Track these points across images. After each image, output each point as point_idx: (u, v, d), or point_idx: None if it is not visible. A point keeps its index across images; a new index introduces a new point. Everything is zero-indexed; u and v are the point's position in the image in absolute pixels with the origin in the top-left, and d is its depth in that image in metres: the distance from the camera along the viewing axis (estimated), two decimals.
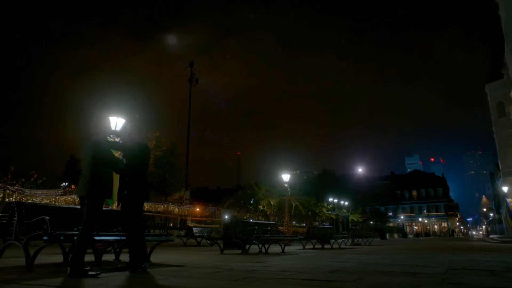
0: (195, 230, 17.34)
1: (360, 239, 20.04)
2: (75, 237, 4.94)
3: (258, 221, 11.80)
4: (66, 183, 27.26)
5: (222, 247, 10.06)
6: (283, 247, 11.32)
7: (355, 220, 55.40)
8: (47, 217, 4.95)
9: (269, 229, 10.72)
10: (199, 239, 16.95)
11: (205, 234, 17.26)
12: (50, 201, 15.78)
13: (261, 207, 38.45)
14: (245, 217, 24.15)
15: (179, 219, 24.71)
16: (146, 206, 20.34)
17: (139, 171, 5.24)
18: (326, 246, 14.48)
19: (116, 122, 10.45)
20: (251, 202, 38.38)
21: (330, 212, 47.16)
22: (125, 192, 5.17)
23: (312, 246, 14.49)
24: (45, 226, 4.96)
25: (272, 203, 38.34)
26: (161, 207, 21.90)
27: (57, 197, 15.89)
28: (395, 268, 5.59)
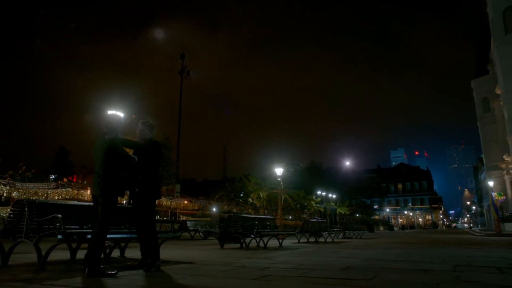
0: (188, 223, 17.33)
1: (352, 233, 20.33)
2: (88, 236, 4.92)
3: (257, 216, 11.88)
4: (55, 176, 26.87)
5: (221, 242, 10.09)
6: (280, 241, 11.44)
7: (343, 213, 56.02)
8: (59, 215, 4.91)
9: (268, 224, 10.79)
10: (192, 233, 16.97)
11: (199, 228, 17.29)
12: (42, 194, 15.55)
13: (250, 200, 38.57)
14: (235, 210, 24.18)
15: (169, 212, 24.65)
16: None
17: (151, 168, 5.22)
18: (320, 239, 14.67)
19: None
20: (241, 195, 38.46)
21: (318, 205, 47.59)
22: (137, 190, 5.14)
23: (306, 240, 14.67)
24: (58, 224, 4.92)
25: (261, 196, 38.46)
26: None
27: (50, 190, 15.65)
28: (402, 264, 5.70)
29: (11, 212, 5.23)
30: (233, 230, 9.93)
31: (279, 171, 20.41)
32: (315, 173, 65.07)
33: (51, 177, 24.71)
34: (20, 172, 16.98)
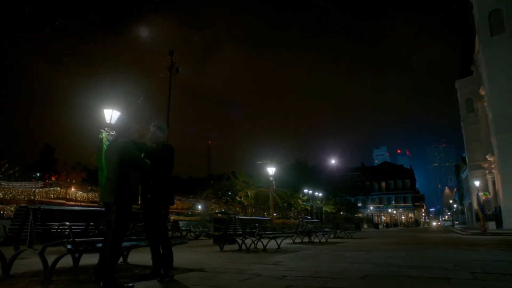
0: (180, 224, 17.03)
1: (342, 232, 20.36)
2: (98, 244, 4.66)
3: (256, 218, 11.69)
4: (39, 174, 26.15)
5: (221, 244, 9.88)
6: (279, 243, 11.29)
7: (328, 211, 56.42)
8: (67, 223, 4.64)
9: (268, 226, 10.64)
10: (184, 233, 16.68)
11: (191, 228, 17.03)
12: (29, 194, 15.04)
13: (238, 198, 38.40)
14: (231, 211, 23.96)
15: None
16: None
17: (164, 173, 4.98)
18: (314, 239, 14.62)
19: (112, 115, 9.98)
20: (229, 193, 38.25)
21: (305, 203, 47.78)
22: (149, 196, 4.90)
23: (300, 240, 14.59)
24: (66, 233, 4.65)
25: (249, 194, 38.35)
26: None
27: (38, 189, 15.15)
28: (418, 272, 5.61)
29: (14, 219, 4.92)
30: (233, 232, 9.74)
31: (271, 170, 20.25)
32: (301, 171, 65.30)
33: (36, 175, 24.04)
34: (3, 170, 16.37)
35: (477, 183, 27.97)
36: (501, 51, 30.82)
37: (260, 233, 9.41)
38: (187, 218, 24.07)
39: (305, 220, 17.35)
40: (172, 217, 22.41)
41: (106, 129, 10.23)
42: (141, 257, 7.15)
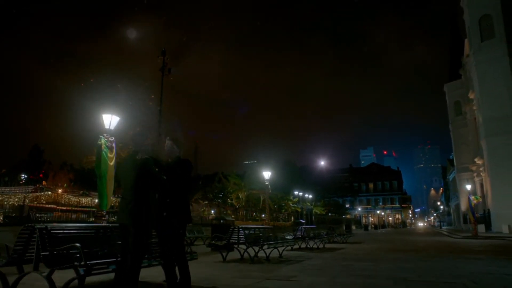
0: None
1: (338, 237, 20.24)
2: (111, 266, 4.35)
3: (258, 226, 11.45)
4: (25, 176, 25.47)
5: (224, 254, 9.59)
6: (281, 251, 11.04)
7: (318, 212, 56.44)
8: (78, 244, 4.31)
9: (270, 235, 10.39)
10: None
11: (186, 234, 16.67)
12: (19, 198, 14.50)
13: (229, 200, 38.07)
14: (216, 215, 23.53)
15: None
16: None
17: (181, 190, 4.68)
18: (311, 245, 14.45)
19: (111, 120, 9.60)
20: (220, 195, 37.88)
21: (295, 205, 47.67)
22: (165, 214, 4.59)
23: (298, 246, 14.39)
24: (78, 255, 4.32)
25: (240, 196, 38.05)
26: None
27: (28, 194, 14.62)
28: None
29: (18, 239, 4.56)
30: (236, 241, 9.48)
31: (267, 174, 20.00)
32: (290, 172, 65.21)
33: (23, 176, 23.37)
34: None
35: (468, 187, 28.23)
36: (491, 56, 31.20)
37: (265, 243, 9.16)
38: None
39: (302, 226, 17.15)
40: None
41: (105, 135, 9.87)
42: (148, 270, 6.81)
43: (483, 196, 36.91)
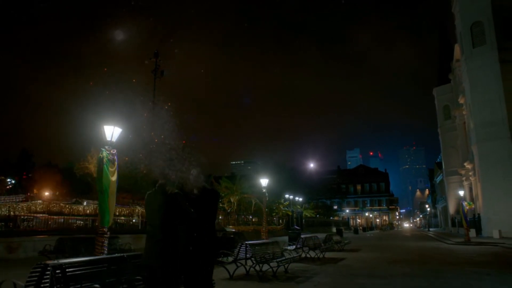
0: None
1: (335, 245, 20.04)
2: None
3: (263, 241, 11.15)
4: (14, 180, 24.68)
5: (231, 271, 9.26)
6: (286, 267, 10.75)
7: (308, 215, 56.38)
8: (98, 286, 3.93)
9: (277, 251, 10.10)
10: None
11: None
12: (8, 208, 13.88)
13: (221, 204, 37.64)
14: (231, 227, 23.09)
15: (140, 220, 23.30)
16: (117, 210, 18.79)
17: (208, 222, 4.34)
18: (313, 256, 14.23)
19: (113, 132, 9.15)
20: None
21: (286, 208, 47.45)
22: (192, 249, 4.24)
23: (297, 255, 14.15)
24: None
25: (232, 200, 37.68)
26: (126, 211, 20.36)
27: (18, 204, 14.02)
28: None
29: (28, 278, 4.15)
30: (244, 257, 9.18)
31: (264, 181, 19.69)
32: (280, 175, 64.88)
33: (9, 181, 22.60)
34: None
35: (461, 192, 28.39)
36: (482, 62, 31.49)
37: (273, 260, 8.89)
38: None
39: (301, 235, 16.92)
40: None
41: (106, 147, 9.42)
42: None
43: (472, 199, 37.33)
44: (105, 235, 8.86)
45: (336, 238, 21.73)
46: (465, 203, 26.54)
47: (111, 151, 9.14)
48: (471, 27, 33.41)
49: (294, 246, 14.61)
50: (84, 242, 11.21)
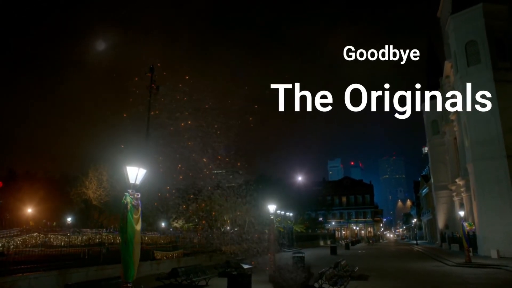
0: (180, 270, 15.11)
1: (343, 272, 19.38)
2: None
3: None
4: None
5: None
6: None
7: (298, 230, 55.67)
8: None
9: None
10: (185, 283, 14.82)
11: (191, 276, 15.25)
12: (3, 245, 12.65)
13: (217, 224, 36.61)
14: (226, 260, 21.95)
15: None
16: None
17: None
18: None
19: (137, 174, 8.27)
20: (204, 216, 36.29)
21: (278, 224, 46.62)
22: None
23: None
24: None
25: (225, 219, 36.65)
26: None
27: (13, 238, 12.82)
28: None
29: None
30: None
31: (272, 208, 18.92)
32: (267, 188, 63.86)
33: None
34: None
35: (462, 213, 28.26)
36: (478, 81, 31.70)
37: None
38: (171, 253, 22.06)
39: (295, 252, 16.18)
40: (157, 255, 20.28)
41: (130, 191, 8.49)
42: None
43: (466, 216, 37.44)
44: None
45: (343, 263, 21.07)
46: (465, 224, 26.39)
47: (135, 195, 8.26)
48: (466, 46, 33.75)
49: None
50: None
